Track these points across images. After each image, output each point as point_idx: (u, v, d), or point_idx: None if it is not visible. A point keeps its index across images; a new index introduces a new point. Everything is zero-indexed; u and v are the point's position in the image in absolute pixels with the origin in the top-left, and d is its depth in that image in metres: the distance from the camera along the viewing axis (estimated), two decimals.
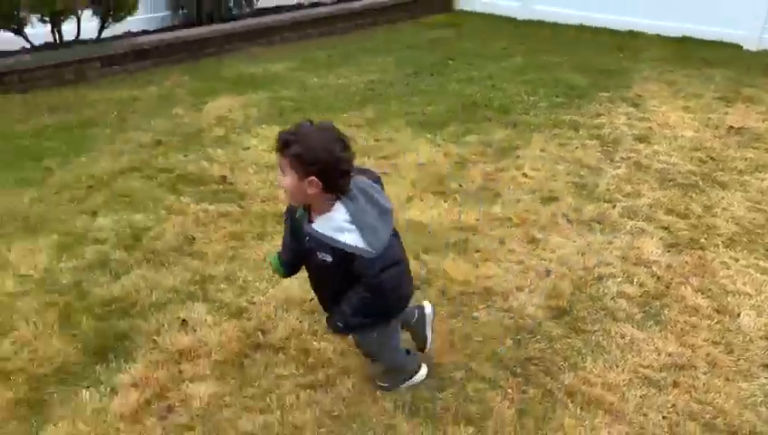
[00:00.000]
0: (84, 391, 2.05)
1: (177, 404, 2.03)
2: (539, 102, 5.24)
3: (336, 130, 1.77)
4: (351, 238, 1.76)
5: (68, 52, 5.85)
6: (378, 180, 2.01)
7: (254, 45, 6.91)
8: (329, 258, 1.83)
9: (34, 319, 2.46)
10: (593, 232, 3.35)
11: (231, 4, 7.30)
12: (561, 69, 6.08)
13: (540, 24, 8.07)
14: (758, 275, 2.94)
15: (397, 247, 1.95)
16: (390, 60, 6.48)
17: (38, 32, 5.78)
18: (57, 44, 5.83)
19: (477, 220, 3.45)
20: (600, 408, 2.02)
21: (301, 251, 1.99)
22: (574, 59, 6.37)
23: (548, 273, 2.93)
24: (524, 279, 2.90)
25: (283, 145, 1.68)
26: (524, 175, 4.02)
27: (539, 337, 2.44)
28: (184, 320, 2.48)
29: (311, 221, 1.85)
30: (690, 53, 6.57)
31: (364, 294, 1.89)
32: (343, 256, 1.78)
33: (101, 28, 6.06)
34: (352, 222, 1.78)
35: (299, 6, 7.89)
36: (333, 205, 1.78)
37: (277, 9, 7.67)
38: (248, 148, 4.45)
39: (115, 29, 6.25)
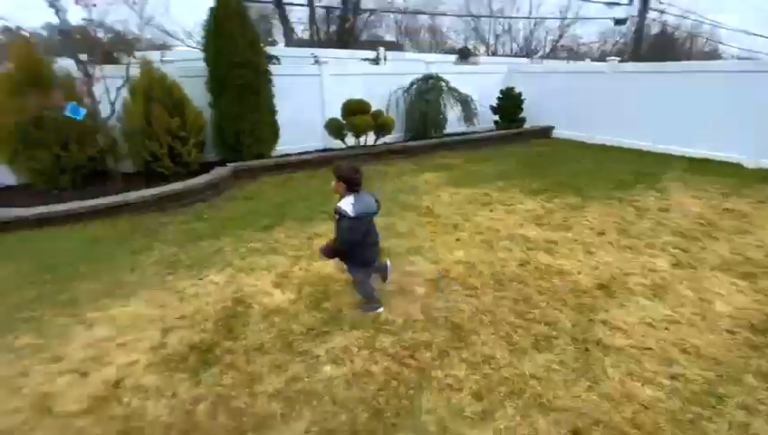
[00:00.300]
0: None
1: None
2: (599, 186, 5.21)
3: (354, 167, 2.40)
4: (344, 205, 2.31)
5: (364, 148, 6.86)
6: (377, 201, 2.49)
7: (445, 150, 7.49)
8: (337, 217, 2.37)
9: None
10: (625, 252, 3.44)
11: (434, 132, 7.99)
12: (615, 170, 5.96)
13: (603, 146, 7.79)
14: (732, 288, 2.86)
15: (358, 225, 2.34)
16: (513, 161, 6.73)
17: (348, 140, 6.82)
18: (356, 146, 6.92)
19: (556, 240, 3.67)
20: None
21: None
22: (624, 166, 6.20)
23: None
24: (576, 263, 3.19)
25: (334, 172, 2.38)
26: (586, 219, 4.12)
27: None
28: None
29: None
30: (704, 167, 6.05)
31: (337, 234, 2.42)
32: (340, 215, 2.34)
33: (375, 139, 7.03)
34: (349, 201, 2.32)
35: (464, 133, 8.42)
36: (347, 195, 2.36)
37: (454, 134, 8.34)
38: (439, 195, 4.94)
39: (380, 140, 7.11)
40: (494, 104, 8.90)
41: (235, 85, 5.67)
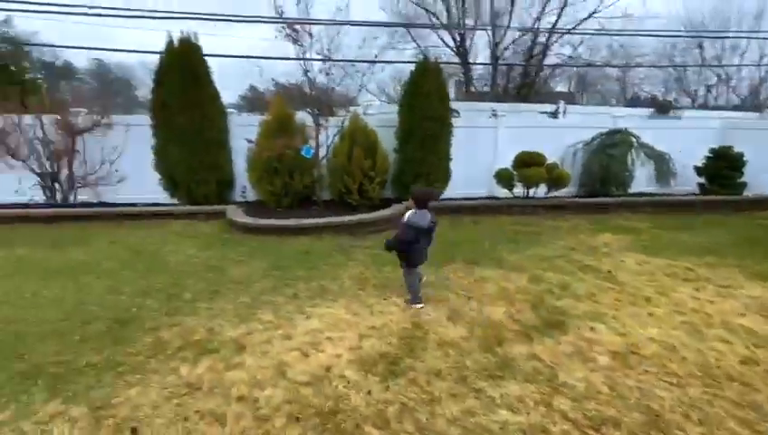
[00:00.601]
0: None
1: None
2: None
3: (425, 191, 3.24)
4: (407, 214, 3.13)
5: (533, 199, 6.75)
6: (434, 219, 3.11)
7: (627, 210, 6.75)
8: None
9: None
10: None
11: (615, 189, 7.27)
12: None
13: None
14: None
15: (410, 231, 3.04)
16: (724, 233, 5.54)
17: (516, 190, 6.81)
18: (525, 197, 6.86)
19: None
20: None
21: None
22: None
23: None
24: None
25: (412, 192, 3.18)
26: None
27: None
28: None
29: None
30: None
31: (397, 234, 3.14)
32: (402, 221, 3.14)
33: (547, 192, 6.83)
34: (410, 213, 3.11)
35: (653, 195, 7.45)
36: (414, 209, 3.11)
37: (640, 194, 7.41)
38: (623, 261, 4.44)
39: (550, 193, 6.87)
40: (700, 164, 7.54)
41: (421, 135, 6.46)
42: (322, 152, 6.49)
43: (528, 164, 6.65)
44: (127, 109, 21.72)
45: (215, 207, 6.33)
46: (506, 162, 6.92)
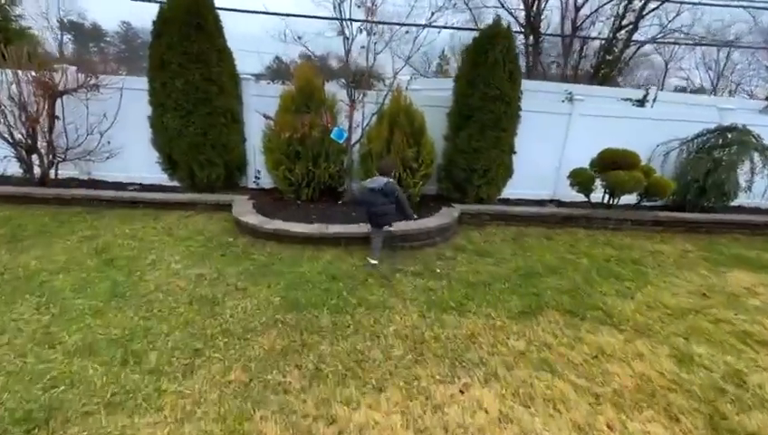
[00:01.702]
0: None
1: None
2: None
3: (389, 164, 3.82)
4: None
5: (617, 210, 5.27)
6: (392, 187, 3.48)
7: (738, 231, 5.32)
8: None
9: None
10: None
11: (713, 202, 5.71)
12: None
13: None
14: None
15: (363, 194, 3.62)
16: None
17: (597, 195, 5.33)
18: (608, 205, 5.36)
19: None
20: None
21: None
22: None
23: None
24: None
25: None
26: None
27: None
28: None
29: None
30: None
31: None
32: None
33: (637, 202, 5.38)
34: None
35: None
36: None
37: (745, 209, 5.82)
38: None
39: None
40: None
41: (482, 119, 4.98)
42: (356, 136, 5.09)
43: (617, 165, 5.11)
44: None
45: (219, 197, 5.07)
46: (580, 159, 5.43)
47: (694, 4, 9.26)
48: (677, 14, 8.63)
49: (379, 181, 3.43)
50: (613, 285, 3.47)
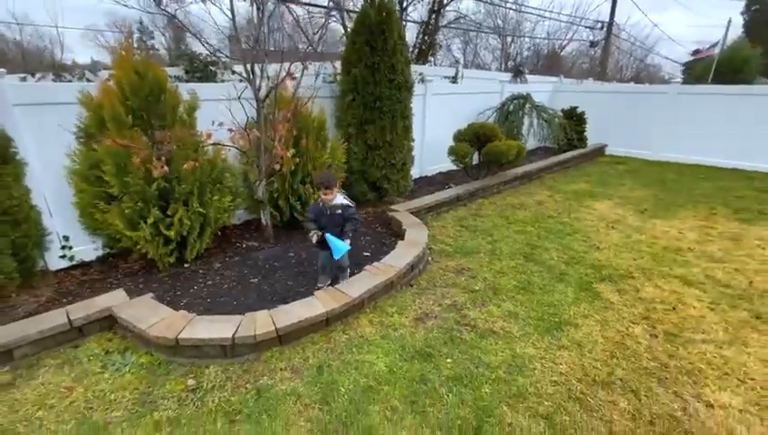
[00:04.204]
0: None
1: None
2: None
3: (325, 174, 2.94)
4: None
5: (496, 177, 6.19)
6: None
7: (550, 173, 7.09)
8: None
9: None
10: None
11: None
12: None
13: (663, 163, 8.07)
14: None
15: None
16: (594, 174, 6.54)
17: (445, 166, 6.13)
18: (477, 172, 6.14)
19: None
20: None
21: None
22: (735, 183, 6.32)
23: None
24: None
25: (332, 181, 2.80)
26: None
27: None
28: None
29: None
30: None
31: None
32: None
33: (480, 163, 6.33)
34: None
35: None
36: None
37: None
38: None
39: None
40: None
41: (392, 109, 4.61)
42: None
43: (486, 137, 5.91)
44: None
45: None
46: (439, 136, 6.15)
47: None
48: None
49: (338, 200, 2.88)
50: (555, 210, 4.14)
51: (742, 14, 31.57)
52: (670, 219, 4.81)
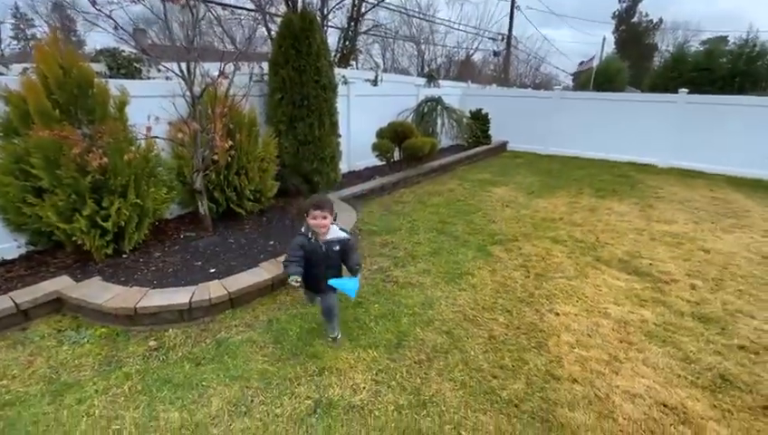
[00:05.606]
0: None
1: None
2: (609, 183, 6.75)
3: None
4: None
5: (414, 169, 7.00)
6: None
7: (463, 166, 8.12)
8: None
9: None
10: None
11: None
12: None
13: (551, 156, 9.70)
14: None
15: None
16: (497, 166, 7.87)
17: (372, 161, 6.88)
18: (399, 165, 6.96)
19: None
20: None
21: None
22: (599, 170, 7.98)
23: None
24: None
25: (330, 206, 2.30)
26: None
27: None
28: None
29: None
30: (639, 167, 8.35)
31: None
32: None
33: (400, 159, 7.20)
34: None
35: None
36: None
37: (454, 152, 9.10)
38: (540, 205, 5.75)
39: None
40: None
41: (319, 107, 5.15)
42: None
43: (404, 134, 6.74)
44: None
45: None
46: (363, 134, 6.82)
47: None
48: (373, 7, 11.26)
49: (335, 231, 2.37)
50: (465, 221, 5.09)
51: (613, 33, 37.70)
52: (549, 198, 6.07)
